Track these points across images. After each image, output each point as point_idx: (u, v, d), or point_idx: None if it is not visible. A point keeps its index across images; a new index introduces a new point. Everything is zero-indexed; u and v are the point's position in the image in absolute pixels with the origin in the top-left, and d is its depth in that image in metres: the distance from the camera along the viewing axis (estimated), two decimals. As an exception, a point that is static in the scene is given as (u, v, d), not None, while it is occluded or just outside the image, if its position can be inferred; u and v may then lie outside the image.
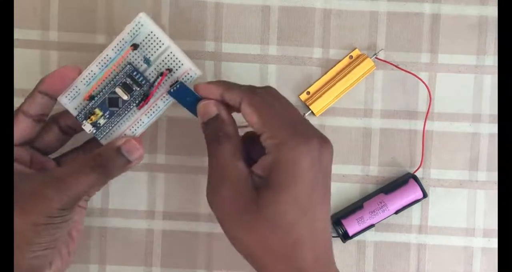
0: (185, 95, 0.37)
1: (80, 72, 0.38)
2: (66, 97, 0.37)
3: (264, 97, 0.36)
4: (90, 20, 0.46)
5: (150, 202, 0.46)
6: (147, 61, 0.37)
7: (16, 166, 0.37)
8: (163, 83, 0.37)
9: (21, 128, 0.37)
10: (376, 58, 0.45)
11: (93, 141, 0.40)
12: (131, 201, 0.46)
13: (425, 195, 0.45)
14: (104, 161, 0.36)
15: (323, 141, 0.35)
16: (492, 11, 0.46)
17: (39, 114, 0.38)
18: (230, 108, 0.37)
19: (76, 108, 0.38)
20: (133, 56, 0.37)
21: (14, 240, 0.34)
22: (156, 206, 0.46)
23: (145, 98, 0.37)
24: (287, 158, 0.34)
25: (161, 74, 0.37)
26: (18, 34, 0.45)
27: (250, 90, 0.36)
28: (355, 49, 0.46)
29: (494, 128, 0.46)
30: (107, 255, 0.46)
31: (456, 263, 0.46)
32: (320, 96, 0.45)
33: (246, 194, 0.34)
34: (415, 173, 0.46)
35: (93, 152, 0.37)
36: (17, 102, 0.44)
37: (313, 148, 0.34)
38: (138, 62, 0.37)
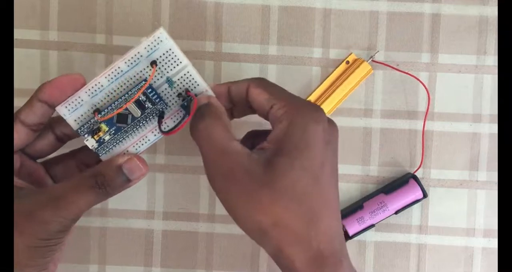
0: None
1: (84, 83, 0.35)
2: (66, 107, 0.34)
3: (265, 80, 0.36)
4: (90, 20, 0.46)
5: (150, 202, 0.46)
6: (170, 82, 0.35)
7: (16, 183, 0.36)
8: (176, 102, 0.36)
9: (17, 137, 0.35)
10: (373, 60, 0.45)
11: (86, 149, 0.37)
12: (131, 201, 0.46)
13: (425, 195, 0.45)
14: (104, 180, 0.34)
15: (331, 120, 0.35)
16: (492, 11, 0.46)
17: (37, 123, 0.36)
18: (234, 105, 0.37)
19: (76, 120, 0.35)
20: (147, 72, 0.35)
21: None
22: (156, 206, 0.46)
23: (161, 115, 0.35)
24: (301, 123, 0.33)
25: (189, 97, 0.35)
26: (18, 34, 0.45)
27: (254, 78, 0.36)
28: (351, 54, 0.46)
29: (494, 128, 0.46)
30: (107, 255, 0.46)
31: (456, 263, 0.46)
32: (320, 105, 0.45)
33: (252, 171, 0.33)
34: (415, 173, 0.46)
35: (91, 170, 0.35)
36: (17, 102, 0.45)
37: (323, 118, 0.34)
38: (152, 79, 0.35)
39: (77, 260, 0.46)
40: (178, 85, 0.35)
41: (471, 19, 0.46)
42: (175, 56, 0.35)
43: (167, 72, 0.35)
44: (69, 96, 0.35)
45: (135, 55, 0.35)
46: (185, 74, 0.35)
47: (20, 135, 0.35)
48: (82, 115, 0.35)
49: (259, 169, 0.33)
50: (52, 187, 0.37)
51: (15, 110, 0.37)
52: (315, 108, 0.35)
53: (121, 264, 0.46)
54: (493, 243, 0.46)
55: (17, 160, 0.37)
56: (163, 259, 0.46)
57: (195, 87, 0.36)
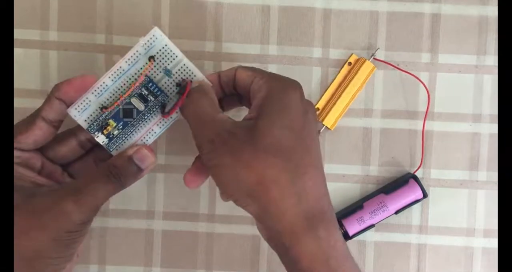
0: None
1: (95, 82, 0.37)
2: (76, 109, 0.37)
3: (254, 67, 0.39)
4: (90, 20, 0.46)
5: (150, 202, 0.46)
6: (167, 72, 0.37)
7: (29, 173, 0.37)
8: (176, 94, 0.38)
9: (40, 133, 0.37)
10: (374, 58, 0.45)
11: (101, 145, 0.39)
12: (131, 201, 0.46)
13: (425, 195, 0.45)
14: (119, 171, 0.36)
15: (307, 99, 0.37)
16: (492, 11, 0.46)
17: (57, 120, 0.38)
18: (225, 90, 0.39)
19: (86, 120, 0.37)
20: (147, 68, 0.37)
21: (33, 255, 0.34)
22: (156, 206, 0.46)
23: (163, 106, 0.38)
24: (280, 88, 0.35)
25: (185, 83, 0.37)
26: (18, 34, 0.45)
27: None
28: (351, 55, 0.46)
29: (494, 128, 0.46)
30: (107, 255, 0.46)
31: (456, 263, 0.46)
32: (330, 109, 0.45)
33: (237, 134, 0.34)
34: (415, 173, 0.46)
35: (106, 163, 0.37)
36: (17, 102, 0.45)
37: (300, 90, 0.36)
38: (152, 74, 0.37)
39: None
40: (176, 77, 0.38)
41: (471, 19, 0.46)
42: (171, 51, 0.37)
43: (165, 66, 0.38)
44: (80, 96, 0.37)
45: (134, 54, 0.37)
46: (182, 67, 0.38)
47: (43, 131, 0.37)
48: (91, 115, 0.37)
49: (243, 132, 0.34)
50: (71, 182, 0.38)
51: (15, 110, 0.37)
52: (293, 80, 0.37)
53: (121, 264, 0.46)
54: (493, 243, 0.46)
55: (38, 160, 0.38)
56: (163, 259, 0.46)
57: (192, 78, 0.38)
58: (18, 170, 0.37)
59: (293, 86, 0.36)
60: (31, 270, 0.35)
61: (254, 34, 0.46)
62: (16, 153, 0.37)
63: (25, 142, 0.37)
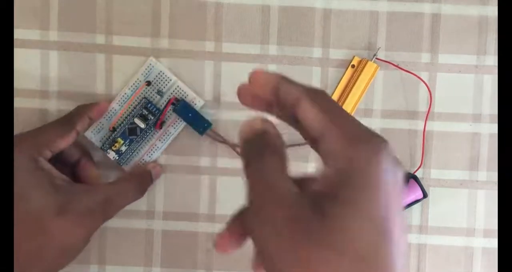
0: (187, 112, 0.44)
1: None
2: (92, 132, 0.45)
3: (324, 95, 0.29)
4: (90, 20, 0.46)
5: (150, 202, 0.46)
6: (160, 93, 0.45)
7: (56, 172, 0.40)
8: (171, 112, 0.45)
9: (69, 143, 0.42)
10: (376, 58, 0.45)
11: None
12: (131, 201, 0.46)
13: (425, 195, 0.45)
14: (143, 180, 0.44)
15: (394, 156, 0.27)
16: (492, 11, 0.46)
17: (79, 132, 0.43)
18: (280, 108, 0.29)
19: (100, 140, 0.45)
20: (146, 92, 0.45)
21: (65, 252, 0.39)
22: (156, 206, 0.46)
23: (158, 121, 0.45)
24: (363, 164, 0.26)
25: (170, 100, 0.44)
26: (18, 34, 0.45)
27: (310, 87, 0.29)
28: (354, 57, 0.46)
29: (494, 128, 0.46)
30: (107, 255, 0.46)
31: (456, 263, 0.46)
32: None
33: (304, 215, 0.26)
34: (415, 173, 0.46)
35: (131, 174, 0.45)
36: (17, 102, 0.45)
37: (389, 155, 0.27)
38: (151, 96, 0.45)
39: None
40: (169, 96, 0.45)
41: (471, 19, 0.46)
42: (166, 76, 0.45)
43: (162, 89, 0.45)
44: (95, 121, 0.45)
45: (135, 81, 0.45)
46: (175, 88, 0.45)
47: (70, 142, 0.42)
48: (104, 136, 0.45)
49: (310, 217, 0.26)
50: (104, 188, 0.42)
51: (15, 110, 0.37)
52: (378, 143, 0.27)
53: (121, 264, 0.46)
54: (493, 243, 0.46)
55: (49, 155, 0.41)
56: (163, 259, 0.46)
57: (185, 98, 0.45)
58: (53, 171, 0.40)
59: (381, 150, 0.26)
60: (60, 265, 0.40)
61: (254, 34, 0.46)
62: (48, 154, 0.40)
63: (59, 147, 0.41)
